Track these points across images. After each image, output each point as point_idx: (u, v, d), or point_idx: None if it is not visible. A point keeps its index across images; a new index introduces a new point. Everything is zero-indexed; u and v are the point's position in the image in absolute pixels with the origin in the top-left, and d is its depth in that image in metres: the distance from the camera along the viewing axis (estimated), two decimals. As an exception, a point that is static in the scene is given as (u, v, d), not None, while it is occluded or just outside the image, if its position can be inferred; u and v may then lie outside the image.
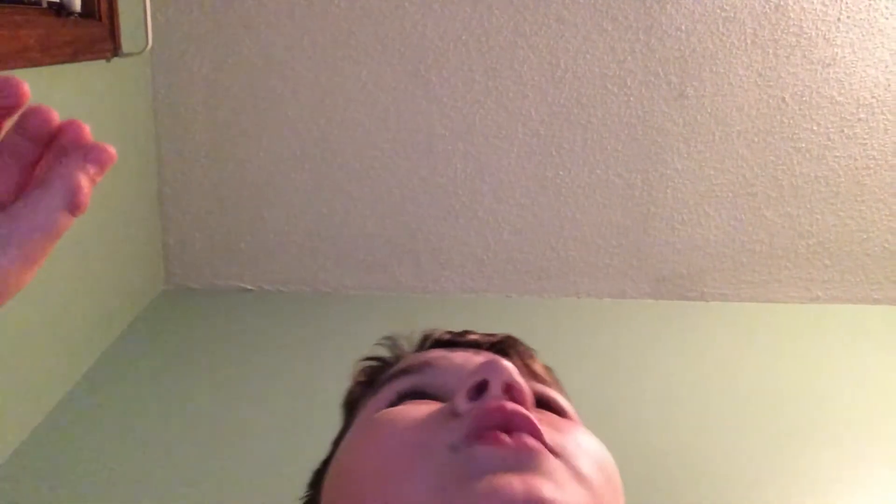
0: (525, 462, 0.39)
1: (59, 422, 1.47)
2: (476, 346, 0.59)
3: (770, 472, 1.39)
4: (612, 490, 0.44)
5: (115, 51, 1.73)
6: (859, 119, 2.04)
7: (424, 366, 0.53)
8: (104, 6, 1.66)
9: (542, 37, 2.01)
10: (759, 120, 2.05)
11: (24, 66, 1.36)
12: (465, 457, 0.40)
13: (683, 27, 1.99)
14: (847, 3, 1.97)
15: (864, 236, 2.12)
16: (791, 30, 1.99)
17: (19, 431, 1.41)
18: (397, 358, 0.60)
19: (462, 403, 0.43)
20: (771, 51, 2.00)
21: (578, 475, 0.41)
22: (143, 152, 2.03)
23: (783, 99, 2.03)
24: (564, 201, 2.12)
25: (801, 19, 1.98)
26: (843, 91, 2.02)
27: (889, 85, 2.01)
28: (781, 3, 1.97)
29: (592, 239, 2.15)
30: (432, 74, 2.04)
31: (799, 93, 2.03)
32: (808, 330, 2.01)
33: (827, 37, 1.99)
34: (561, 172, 2.10)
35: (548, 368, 0.60)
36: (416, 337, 0.63)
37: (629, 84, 2.03)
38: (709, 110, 2.05)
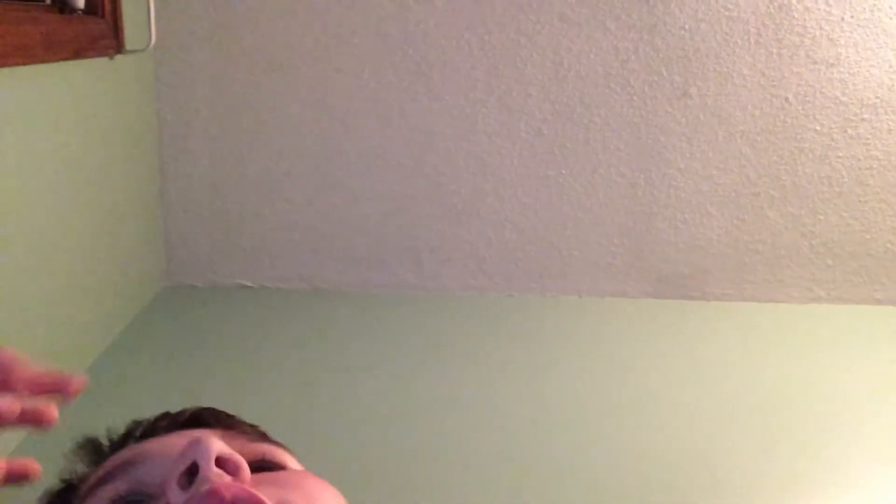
0: None
1: (59, 420, 1.47)
2: (173, 426, 0.54)
3: (772, 472, 1.39)
4: None
5: (119, 48, 1.73)
6: (863, 119, 2.04)
7: (126, 465, 0.48)
8: (107, 3, 1.66)
9: (545, 35, 2.00)
10: (762, 120, 2.04)
11: (27, 63, 1.36)
12: None
13: (687, 26, 1.99)
14: (851, 2, 1.96)
15: (867, 237, 2.12)
16: (795, 29, 1.98)
17: (17, 431, 1.41)
18: (95, 465, 0.54)
19: (175, 496, 0.39)
20: (774, 50, 2.00)
21: None
22: (146, 149, 2.03)
23: (786, 99, 2.03)
24: (566, 200, 2.12)
25: (804, 19, 1.98)
26: (846, 91, 2.02)
27: (893, 85, 2.01)
28: (785, 2, 1.97)
29: (594, 238, 2.14)
30: (435, 72, 2.03)
31: (802, 93, 2.02)
32: (811, 330, 2.01)
33: (831, 37, 1.98)
34: (563, 171, 2.10)
35: (254, 426, 0.57)
36: (111, 438, 0.57)
37: (632, 83, 2.03)
38: (712, 110, 2.04)
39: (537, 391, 1.65)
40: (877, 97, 2.02)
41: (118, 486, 0.46)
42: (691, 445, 1.47)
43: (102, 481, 0.48)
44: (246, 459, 0.42)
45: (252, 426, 0.57)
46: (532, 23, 2.00)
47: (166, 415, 0.57)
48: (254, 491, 0.38)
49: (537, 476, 1.37)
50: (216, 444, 0.40)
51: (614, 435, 1.50)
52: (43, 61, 1.40)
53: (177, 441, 0.48)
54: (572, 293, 2.19)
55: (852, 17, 1.97)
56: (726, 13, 1.98)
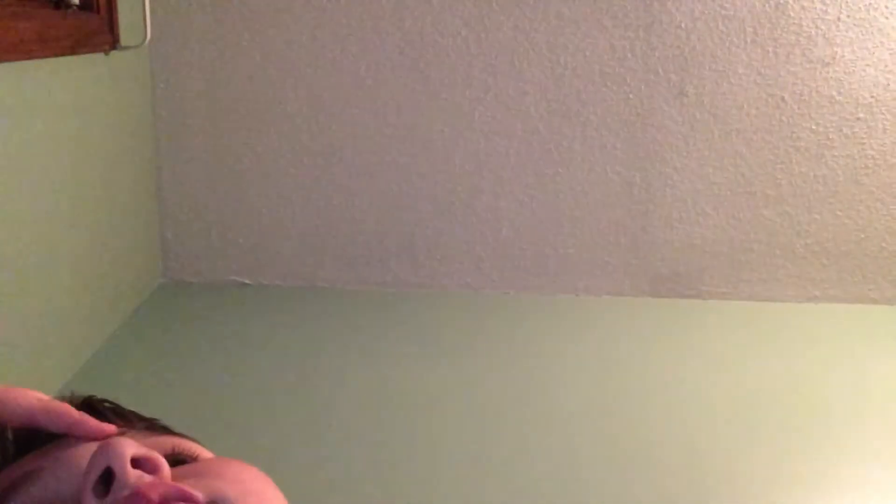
0: None
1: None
2: (73, 430, 0.46)
3: (767, 471, 1.39)
4: None
5: (114, 44, 1.73)
6: (858, 118, 2.04)
7: (18, 484, 0.42)
8: (103, -1, 1.66)
9: (542, 33, 2.00)
10: (758, 119, 2.05)
11: (22, 59, 1.35)
12: None
13: (683, 25, 1.99)
14: (847, 2, 1.96)
15: (862, 236, 2.12)
16: (791, 29, 1.99)
17: (15, 424, 1.40)
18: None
19: None
20: (770, 49, 2.00)
21: None
22: (142, 146, 2.03)
23: (782, 98, 2.03)
24: (563, 199, 2.12)
25: (800, 18, 1.98)
26: (842, 90, 2.02)
27: (888, 85, 2.01)
28: (781, 1, 1.97)
29: (591, 236, 2.15)
30: (432, 70, 2.03)
31: (798, 92, 2.03)
32: (806, 329, 2.01)
33: (827, 36, 1.99)
34: (560, 170, 2.10)
35: (153, 419, 0.53)
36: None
37: (629, 82, 2.03)
38: (708, 108, 2.04)
39: (534, 389, 1.66)
40: (872, 96, 2.02)
41: (22, 501, 0.40)
42: (687, 443, 1.47)
43: (7, 493, 0.42)
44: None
45: (151, 419, 0.52)
46: (529, 21, 2.00)
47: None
48: (182, 486, 0.36)
49: (534, 473, 1.37)
50: (128, 444, 0.37)
51: (611, 433, 1.50)
52: (38, 57, 1.40)
53: (79, 450, 0.42)
54: (569, 291, 2.19)
55: (848, 16, 1.97)
56: (723, 12, 1.98)
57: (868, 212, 2.11)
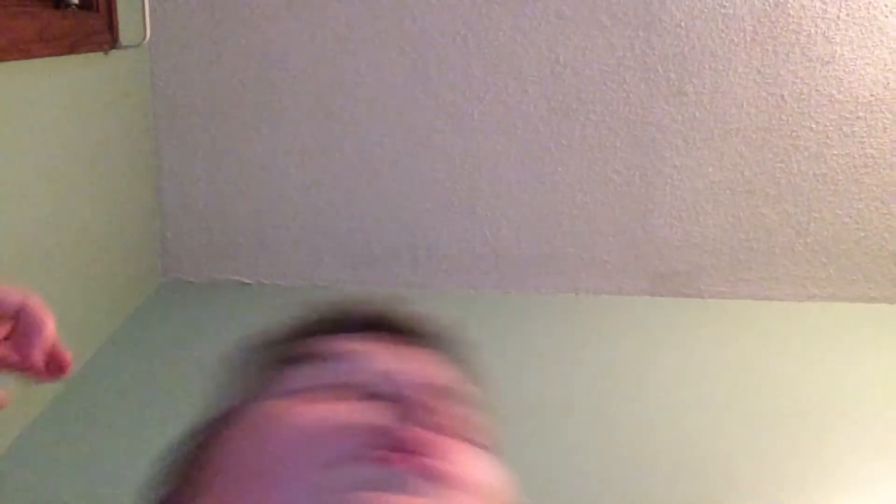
0: (395, 483, 0.39)
1: (56, 415, 1.47)
2: (386, 332, 0.56)
3: (766, 468, 1.39)
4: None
5: (113, 43, 1.73)
6: (858, 117, 2.04)
7: (337, 356, 0.51)
8: (102, -2, 1.66)
9: (542, 32, 2.00)
10: (757, 117, 2.05)
11: (21, 58, 1.35)
12: (340, 475, 0.39)
13: (683, 24, 1.99)
14: (847, 1, 1.96)
15: (862, 235, 2.12)
16: (791, 27, 1.99)
17: (16, 425, 1.41)
18: (302, 339, 0.58)
19: (379, 417, 0.42)
20: (770, 48, 2.00)
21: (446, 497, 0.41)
22: (141, 145, 2.03)
23: (782, 97, 2.03)
24: (562, 197, 2.12)
25: (800, 17, 1.98)
26: (842, 89, 2.02)
27: (888, 83, 2.01)
28: (781, 0, 1.97)
29: (590, 235, 2.15)
30: (431, 69, 2.03)
31: (798, 91, 2.03)
32: (805, 328, 2.02)
33: (826, 35, 1.99)
34: (559, 168, 2.10)
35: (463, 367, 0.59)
36: (320, 320, 0.60)
37: (628, 81, 2.03)
38: (707, 107, 2.04)
39: (532, 389, 1.66)
40: (872, 95, 2.02)
41: (320, 372, 0.48)
42: (686, 442, 1.47)
43: (310, 358, 0.50)
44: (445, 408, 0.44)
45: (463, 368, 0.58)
46: (528, 19, 2.00)
47: (382, 315, 0.58)
48: (432, 440, 0.40)
49: (532, 472, 1.37)
50: (407, 390, 0.42)
51: (610, 432, 1.50)
52: (37, 56, 1.40)
53: (383, 358, 0.50)
54: (568, 291, 2.19)
55: (848, 15, 1.97)
56: (722, 11, 1.98)
57: (868, 211, 2.11)
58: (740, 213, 2.12)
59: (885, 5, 1.96)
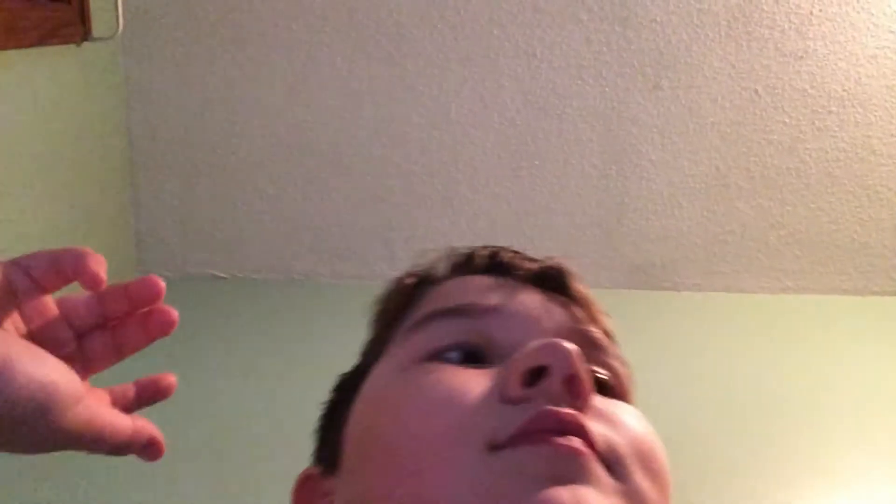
0: (573, 471, 0.35)
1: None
2: (541, 282, 0.50)
3: (741, 461, 1.41)
4: (661, 485, 0.42)
5: (85, 35, 1.70)
6: (830, 112, 2.06)
7: (486, 312, 0.44)
8: (73, -11, 1.64)
9: (518, 26, 2.00)
10: (732, 112, 2.06)
11: (-10, 50, 1.33)
12: (508, 461, 0.36)
13: (659, 19, 2.00)
14: (820, -4, 1.98)
15: (834, 227, 2.15)
16: (764, 23, 2.00)
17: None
18: (441, 281, 0.52)
19: (514, 389, 0.38)
20: (744, 43, 2.02)
21: (625, 479, 0.38)
22: (114, 139, 2.00)
23: (756, 91, 2.05)
24: (539, 191, 2.13)
25: (774, 12, 2.00)
26: (814, 84, 2.04)
27: (860, 78, 2.04)
28: (755, -5, 1.99)
29: (566, 228, 2.15)
30: (407, 62, 2.03)
31: (771, 85, 2.04)
32: (779, 320, 2.04)
33: (800, 30, 2.01)
34: (536, 162, 2.10)
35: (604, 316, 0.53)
36: (456, 255, 0.54)
37: (604, 75, 2.04)
38: (683, 102, 2.06)
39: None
40: (844, 90, 2.05)
41: (469, 333, 0.43)
42: (662, 435, 1.48)
43: (456, 313, 0.44)
44: (589, 374, 0.39)
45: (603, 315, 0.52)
46: (505, 13, 2.00)
47: (517, 254, 0.53)
48: (587, 426, 0.36)
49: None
50: (574, 359, 0.38)
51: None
52: (5, 48, 1.38)
53: (540, 316, 0.45)
54: (545, 283, 2.19)
55: (821, 10, 1.99)
56: (697, 6, 1.99)
57: (840, 203, 2.13)
58: (715, 206, 2.14)
59: (857, 1, 1.98)
